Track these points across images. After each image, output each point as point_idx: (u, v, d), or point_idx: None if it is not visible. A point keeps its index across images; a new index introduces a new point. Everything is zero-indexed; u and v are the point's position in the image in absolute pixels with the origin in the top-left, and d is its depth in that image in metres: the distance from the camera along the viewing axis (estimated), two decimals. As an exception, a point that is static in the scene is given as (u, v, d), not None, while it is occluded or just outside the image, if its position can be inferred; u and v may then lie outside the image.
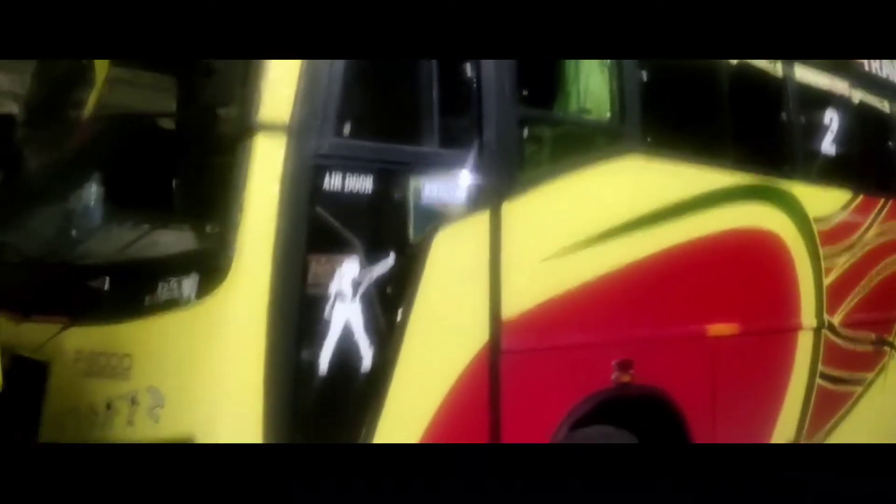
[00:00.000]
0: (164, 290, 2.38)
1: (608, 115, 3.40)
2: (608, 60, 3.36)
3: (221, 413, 2.35)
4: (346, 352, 2.55)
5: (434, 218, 2.76)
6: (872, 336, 4.93)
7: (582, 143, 3.33)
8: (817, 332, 4.46)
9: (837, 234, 4.59)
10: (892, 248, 5.04)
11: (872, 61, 5.13)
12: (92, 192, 2.80)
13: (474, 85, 2.88)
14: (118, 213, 2.66)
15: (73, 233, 2.77)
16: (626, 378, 3.35)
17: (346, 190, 2.57)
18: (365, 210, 2.62)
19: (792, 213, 4.27)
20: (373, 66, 2.63)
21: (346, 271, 2.56)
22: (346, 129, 2.58)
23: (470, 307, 2.88)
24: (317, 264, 2.49)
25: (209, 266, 2.37)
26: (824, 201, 4.52)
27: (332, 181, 2.53)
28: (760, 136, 4.25)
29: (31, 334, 2.63)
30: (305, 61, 2.45)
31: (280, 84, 2.41)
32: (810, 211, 4.37)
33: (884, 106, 5.22)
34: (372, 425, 2.59)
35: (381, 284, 2.63)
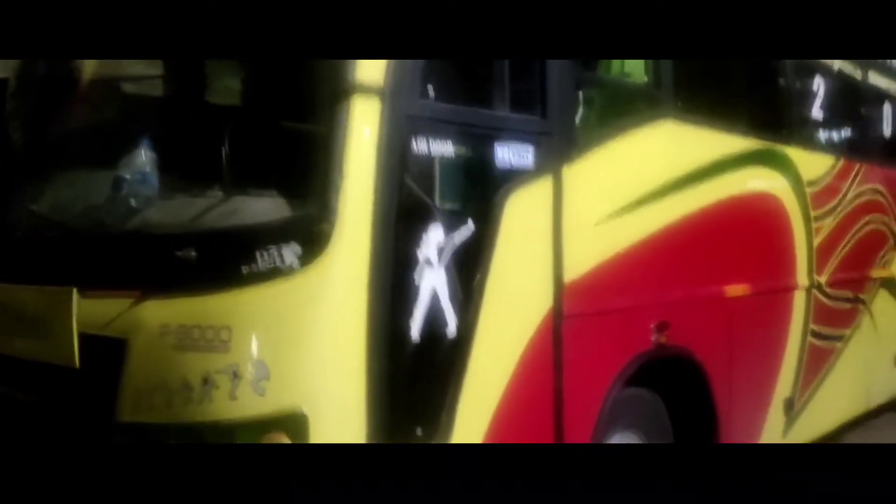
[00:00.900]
0: (264, 259, 2.27)
1: (645, 79, 3.44)
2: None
3: (329, 382, 2.29)
4: (434, 316, 2.52)
5: (507, 181, 2.75)
6: (850, 294, 5.18)
7: (625, 107, 3.35)
8: (808, 291, 4.66)
9: (824, 197, 4.79)
10: (865, 210, 5.29)
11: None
12: (174, 160, 2.64)
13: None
14: (204, 181, 2.51)
15: (153, 201, 2.60)
16: (663, 339, 3.42)
17: (431, 153, 2.52)
18: (448, 173, 2.58)
19: (790, 176, 4.42)
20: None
21: (433, 235, 2.52)
22: (430, 91, 2.53)
23: (536, 272, 2.89)
24: (409, 227, 2.44)
25: (311, 233, 2.28)
26: (815, 165, 4.70)
27: (420, 144, 2.48)
28: (764, 103, 4.38)
29: (106, 309, 2.47)
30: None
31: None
32: (804, 175, 4.54)
33: (858, 75, 5.45)
34: (458, 385, 2.58)
35: (462, 248, 2.60)
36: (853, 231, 5.17)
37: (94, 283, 2.54)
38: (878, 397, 5.67)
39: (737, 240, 4.00)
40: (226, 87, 2.90)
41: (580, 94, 3.07)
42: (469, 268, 2.64)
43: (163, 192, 2.65)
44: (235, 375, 2.25)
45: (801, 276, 4.58)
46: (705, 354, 3.68)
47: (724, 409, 3.78)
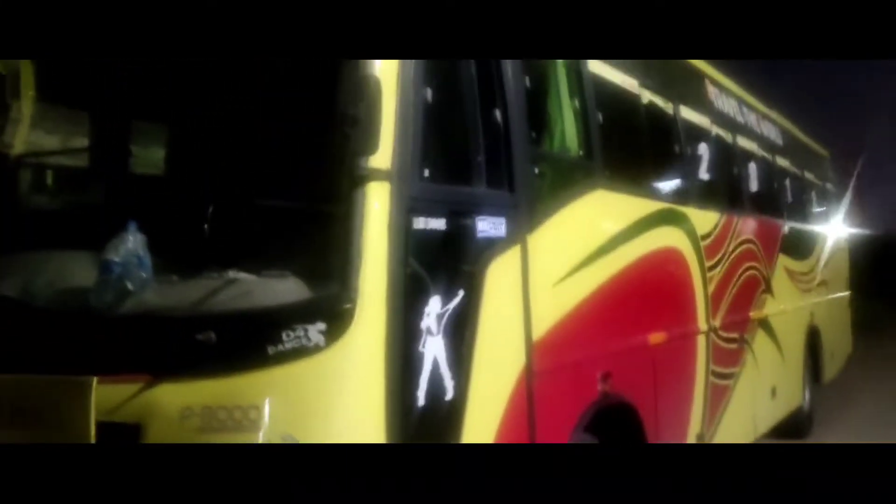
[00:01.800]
0: (290, 339, 2.38)
1: (580, 152, 3.77)
2: (575, 101, 3.75)
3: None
4: (436, 380, 2.70)
5: (486, 251, 2.97)
6: (737, 335, 5.72)
7: (567, 179, 3.67)
8: (707, 335, 5.13)
9: (713, 248, 5.31)
10: (743, 258, 5.89)
11: (722, 97, 6.03)
12: (172, 241, 2.68)
13: (502, 129, 3.12)
14: (212, 263, 2.57)
15: (150, 283, 2.63)
16: (607, 388, 3.72)
17: (427, 229, 2.71)
18: (439, 247, 2.77)
19: (689, 232, 4.91)
20: (443, 122, 2.82)
21: (433, 305, 2.70)
22: (428, 174, 2.73)
23: (512, 332, 3.12)
24: (414, 300, 2.61)
25: (335, 311, 2.41)
26: (706, 221, 5.22)
27: (419, 222, 2.67)
28: (664, 168, 4.86)
29: (117, 395, 2.47)
30: (393, 117, 2.55)
31: (384, 134, 2.50)
32: (698, 230, 5.04)
33: (730, 139, 6.10)
34: (457, 440, 2.76)
35: (455, 316, 2.80)
36: (735, 277, 5.73)
37: (101, 369, 2.53)
38: (762, 427, 6.25)
39: (653, 291, 4.42)
40: (230, 167, 2.96)
41: (535, 169, 3.35)
42: (460, 333, 2.83)
43: (161, 273, 2.68)
44: None
45: (702, 321, 5.05)
46: (638, 399, 4.01)
47: (653, 449, 4.11)
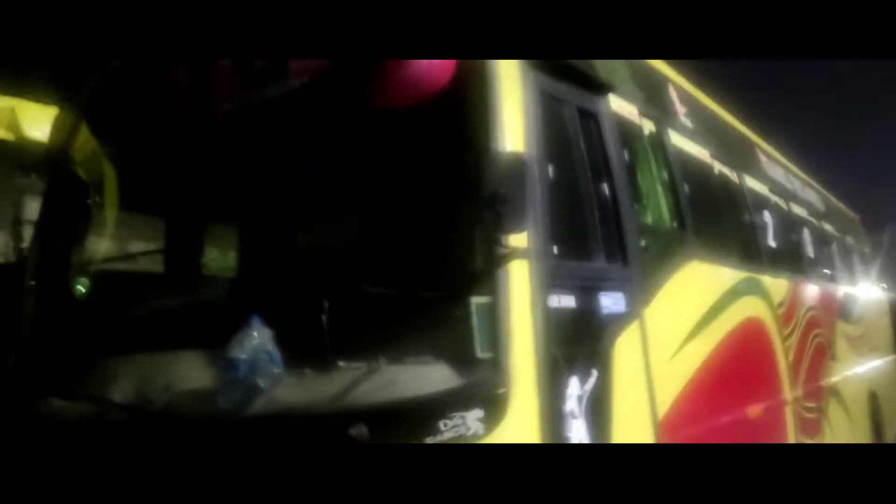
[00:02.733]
0: (448, 428, 2.26)
1: (674, 224, 3.74)
2: (664, 173, 3.73)
3: None
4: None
5: (611, 326, 2.90)
6: (815, 404, 5.58)
7: (665, 251, 3.61)
8: (791, 405, 5.00)
9: (787, 316, 5.23)
10: (812, 325, 5.79)
11: (772, 164, 6.06)
12: (300, 334, 2.57)
13: (611, 202, 3.08)
14: (351, 354, 2.46)
15: (281, 379, 2.51)
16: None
17: (562, 307, 2.64)
18: (570, 324, 2.70)
19: (767, 301, 4.83)
20: (562, 198, 2.80)
21: (573, 387, 2.61)
22: (557, 250, 2.67)
23: (639, 411, 3.01)
24: (556, 382, 2.52)
25: (491, 397, 2.31)
26: (778, 289, 5.15)
27: (555, 300, 2.60)
28: (741, 236, 4.82)
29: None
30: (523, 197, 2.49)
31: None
32: (774, 298, 4.97)
33: (785, 204, 6.10)
34: None
35: (592, 396, 2.70)
36: (808, 346, 5.62)
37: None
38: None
39: (745, 363, 4.31)
40: (354, 253, 2.91)
41: (641, 242, 3.30)
42: (597, 416, 2.73)
43: (292, 368, 2.58)
44: None
45: (786, 392, 4.92)
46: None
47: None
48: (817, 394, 5.69)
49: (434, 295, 2.52)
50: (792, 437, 4.87)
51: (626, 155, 3.32)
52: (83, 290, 3.63)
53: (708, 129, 4.64)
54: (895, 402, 9.06)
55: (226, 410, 2.56)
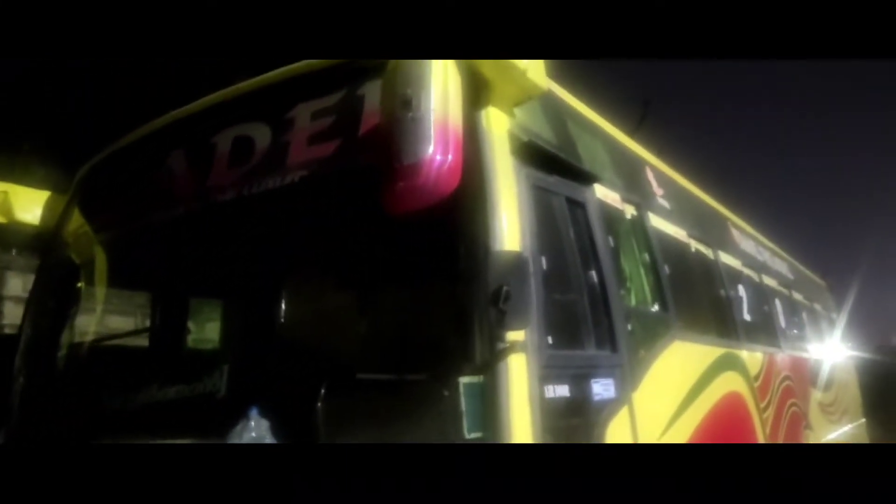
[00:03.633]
0: None
1: (656, 305, 3.84)
2: (645, 255, 3.84)
3: None
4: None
5: (602, 411, 2.96)
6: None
7: (650, 333, 3.70)
8: (770, 477, 5.06)
9: (763, 388, 5.33)
10: (786, 395, 5.90)
11: (744, 238, 6.23)
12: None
13: (599, 289, 3.17)
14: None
15: None
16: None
17: (557, 396, 2.71)
18: (563, 411, 2.76)
19: (744, 374, 4.93)
20: (554, 288, 2.88)
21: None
22: (551, 341, 2.75)
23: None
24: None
25: None
26: (753, 361, 5.26)
27: (550, 390, 2.67)
28: (717, 311, 4.94)
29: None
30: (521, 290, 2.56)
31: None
32: (750, 370, 5.07)
33: (756, 277, 6.26)
34: None
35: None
36: (783, 416, 5.72)
37: None
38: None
39: (727, 438, 4.37)
40: (347, 343, 2.95)
41: (628, 326, 3.38)
42: None
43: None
44: None
45: (765, 464, 4.99)
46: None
47: None
48: (794, 464, 5.76)
49: (428, 384, 2.57)
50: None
51: (611, 241, 3.43)
52: (72, 370, 3.64)
53: (683, 208, 4.79)
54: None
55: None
